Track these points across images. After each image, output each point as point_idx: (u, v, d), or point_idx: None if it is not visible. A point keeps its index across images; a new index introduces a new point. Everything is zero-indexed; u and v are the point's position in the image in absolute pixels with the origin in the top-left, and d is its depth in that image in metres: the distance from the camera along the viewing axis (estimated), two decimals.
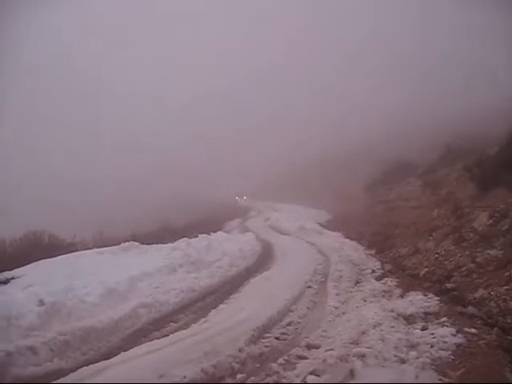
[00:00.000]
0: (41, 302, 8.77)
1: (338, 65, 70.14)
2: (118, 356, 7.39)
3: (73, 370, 6.87)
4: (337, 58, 73.31)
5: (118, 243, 18.05)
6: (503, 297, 8.76)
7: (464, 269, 11.21)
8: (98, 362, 7.19)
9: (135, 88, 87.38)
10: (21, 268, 13.78)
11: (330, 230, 27.99)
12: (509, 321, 7.85)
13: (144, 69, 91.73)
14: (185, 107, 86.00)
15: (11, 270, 13.42)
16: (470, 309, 8.93)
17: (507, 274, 9.53)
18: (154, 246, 18.26)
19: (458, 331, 7.60)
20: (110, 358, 7.34)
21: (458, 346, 7.04)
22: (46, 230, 21.35)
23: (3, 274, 12.81)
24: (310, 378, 5.82)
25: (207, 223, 32.46)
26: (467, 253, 11.95)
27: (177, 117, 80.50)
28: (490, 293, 9.23)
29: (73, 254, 16.34)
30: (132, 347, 7.90)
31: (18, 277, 12.51)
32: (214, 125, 79.54)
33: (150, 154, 68.77)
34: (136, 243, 18.03)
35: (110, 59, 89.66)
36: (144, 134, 75.06)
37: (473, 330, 7.67)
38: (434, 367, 6.30)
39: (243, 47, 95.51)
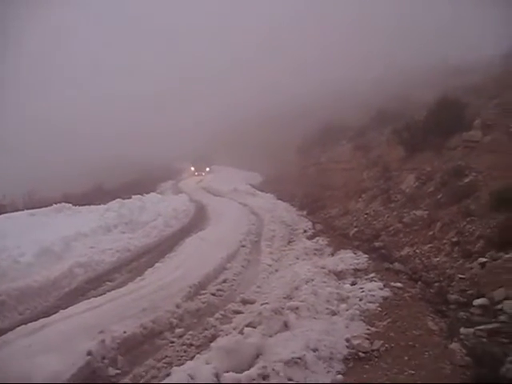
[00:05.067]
0: None
1: (277, 27, 69.47)
2: (57, 314, 7.37)
3: (10, 329, 6.79)
4: (277, 20, 72.47)
5: (49, 204, 17.64)
6: (427, 254, 9.28)
7: (391, 228, 11.73)
8: (35, 320, 7.13)
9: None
10: None
11: (262, 191, 28.32)
12: (432, 276, 8.35)
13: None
14: (125, 64, 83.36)
15: None
16: (397, 265, 9.43)
17: (431, 233, 10.05)
18: (87, 207, 18.00)
19: (384, 285, 8.02)
20: (48, 316, 7.29)
21: (385, 298, 7.45)
22: None
23: None
24: (247, 330, 6.05)
25: (140, 184, 32.08)
26: (395, 213, 12.49)
27: (114, 75, 77.92)
28: (415, 250, 9.75)
29: (3, 215, 15.91)
30: (70, 306, 7.89)
31: None
32: (152, 83, 77.18)
33: (85, 113, 66.50)
34: (68, 205, 17.71)
35: None
36: (81, 92, 72.37)
37: (398, 284, 8.11)
38: (362, 318, 6.69)
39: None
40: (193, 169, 52.19)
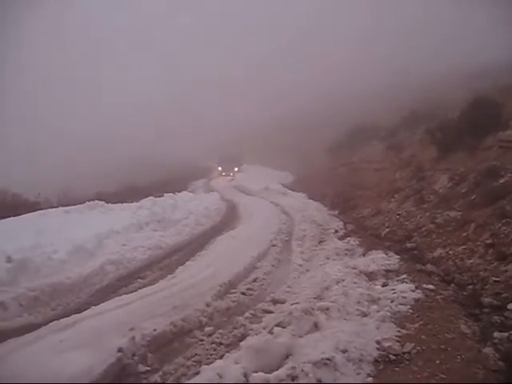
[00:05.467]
0: (9, 259, 8.70)
1: (307, 29, 69.48)
2: (89, 310, 7.46)
3: (43, 325, 6.89)
4: (306, 21, 72.38)
5: (83, 202, 17.83)
6: (460, 255, 9.14)
7: (424, 229, 11.58)
8: (67, 316, 7.22)
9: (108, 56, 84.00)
10: None
11: (294, 191, 28.27)
12: (465, 278, 8.21)
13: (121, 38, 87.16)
14: (154, 67, 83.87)
15: None
16: (429, 266, 9.30)
17: (465, 234, 9.90)
18: (120, 204, 18.16)
19: (416, 287, 7.91)
20: (79, 312, 7.39)
21: (417, 300, 7.34)
22: (8, 188, 20.96)
23: None
24: (276, 330, 6.04)
25: (172, 183, 32.32)
26: (427, 214, 12.33)
27: (142, 77, 78.37)
28: (447, 252, 9.60)
29: (38, 212, 16.12)
30: (101, 302, 7.98)
31: None
32: (181, 84, 77.40)
33: (114, 114, 67.17)
34: (101, 202, 17.87)
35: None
36: (109, 93, 73.24)
37: (431, 286, 7.99)
38: (393, 320, 6.59)
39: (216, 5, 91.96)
40: (220, 169, 47.89)
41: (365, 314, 6.89)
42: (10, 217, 14.60)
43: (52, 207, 18.14)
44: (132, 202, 18.82)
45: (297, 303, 7.34)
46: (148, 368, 5.75)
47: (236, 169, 47.35)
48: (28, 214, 15.25)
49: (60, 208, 16.86)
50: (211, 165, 53.65)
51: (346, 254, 11.32)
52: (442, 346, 5.70)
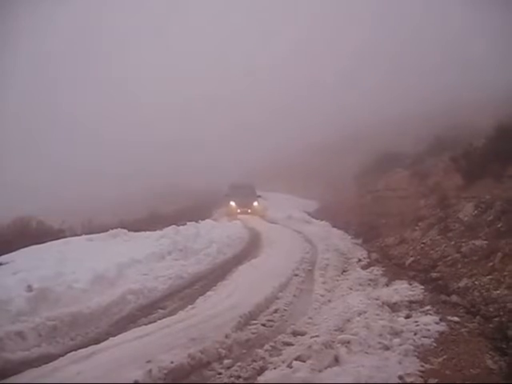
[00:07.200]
0: (29, 288, 8.69)
1: (332, 59, 70.08)
2: (107, 341, 7.40)
3: (61, 355, 6.84)
4: (331, 52, 72.99)
5: (107, 230, 17.90)
6: (486, 286, 8.91)
7: (449, 258, 11.36)
8: (86, 346, 7.19)
9: (129, 86, 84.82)
10: (8, 254, 13.65)
11: (317, 219, 28.15)
12: (491, 309, 7.99)
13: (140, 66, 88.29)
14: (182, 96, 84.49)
15: None
16: (454, 297, 9.09)
17: (491, 264, 9.68)
18: (143, 233, 18.17)
19: (441, 319, 7.73)
20: (98, 343, 7.37)
21: (441, 333, 7.16)
22: (33, 216, 21.18)
23: None
24: (296, 364, 5.91)
25: (196, 211, 32.35)
26: (452, 243, 12.10)
27: (172, 108, 78.99)
28: (473, 282, 9.37)
29: (61, 240, 16.21)
30: (120, 333, 7.93)
31: (6, 263, 12.36)
32: (208, 120, 77.84)
33: (142, 146, 67.99)
34: (124, 230, 17.89)
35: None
36: (136, 126, 74.20)
37: (455, 319, 7.81)
38: (416, 354, 6.41)
39: (248, 39, 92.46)
40: (233, 204, 34.38)
41: (387, 348, 6.71)
42: (33, 244, 14.71)
43: (76, 235, 18.26)
44: (155, 230, 18.85)
45: (317, 336, 7.20)
46: None
47: (255, 203, 34.94)
48: (51, 242, 15.31)
49: (83, 236, 16.94)
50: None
51: (369, 284, 11.14)
52: (467, 382, 5.51)
